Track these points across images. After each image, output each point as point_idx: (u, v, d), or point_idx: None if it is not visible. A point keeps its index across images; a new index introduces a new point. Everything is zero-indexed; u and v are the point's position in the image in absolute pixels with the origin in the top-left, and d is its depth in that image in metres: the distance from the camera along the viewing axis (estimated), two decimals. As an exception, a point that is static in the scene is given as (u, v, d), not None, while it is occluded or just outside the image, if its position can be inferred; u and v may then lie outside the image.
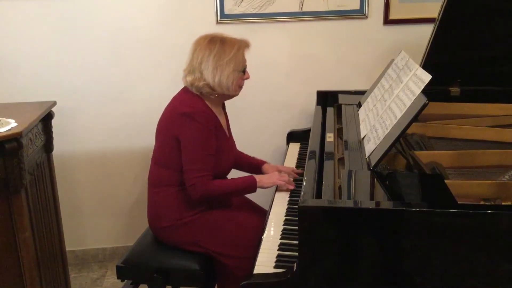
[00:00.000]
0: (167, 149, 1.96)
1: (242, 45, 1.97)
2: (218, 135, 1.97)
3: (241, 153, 2.29)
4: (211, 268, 1.99)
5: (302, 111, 2.83)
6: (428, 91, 1.59)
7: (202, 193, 1.90)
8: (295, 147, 2.58)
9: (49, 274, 2.14)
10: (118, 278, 2.00)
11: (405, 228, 1.33)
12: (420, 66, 2.18)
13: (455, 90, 2.33)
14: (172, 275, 1.94)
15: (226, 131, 2.09)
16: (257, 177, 2.02)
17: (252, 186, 1.99)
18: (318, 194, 1.58)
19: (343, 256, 1.36)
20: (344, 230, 1.35)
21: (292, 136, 2.67)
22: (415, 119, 1.55)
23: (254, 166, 2.26)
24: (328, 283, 1.37)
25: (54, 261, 2.22)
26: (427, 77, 1.63)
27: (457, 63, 2.27)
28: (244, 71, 1.99)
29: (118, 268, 1.97)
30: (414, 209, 1.31)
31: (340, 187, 1.55)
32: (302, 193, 1.62)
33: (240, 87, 2.01)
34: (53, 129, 2.24)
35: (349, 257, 1.36)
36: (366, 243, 1.35)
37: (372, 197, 1.48)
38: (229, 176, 2.17)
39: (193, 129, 1.89)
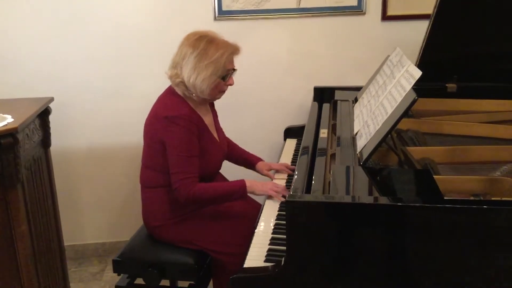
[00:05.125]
0: (153, 152, 1.96)
1: (229, 50, 1.88)
2: (203, 137, 1.95)
3: (238, 147, 2.29)
4: (206, 263, 2.00)
5: (300, 107, 2.83)
6: (425, 87, 1.60)
7: (187, 196, 1.87)
8: (292, 143, 2.58)
9: (47, 268, 2.16)
10: (114, 272, 2.02)
11: (392, 223, 1.33)
12: (417, 62, 2.19)
13: (452, 86, 2.32)
14: (168, 269, 1.95)
15: (214, 131, 2.07)
16: (248, 182, 1.93)
17: (241, 191, 1.92)
18: (309, 190, 1.59)
19: (330, 251, 1.36)
20: (331, 225, 1.36)
21: (289, 132, 2.67)
22: (405, 114, 1.55)
23: (249, 162, 2.26)
24: (315, 276, 1.38)
25: (51, 255, 2.24)
26: (417, 73, 1.63)
27: (454, 59, 2.27)
28: (224, 78, 1.91)
29: (115, 262, 1.99)
30: (399, 204, 1.32)
31: (330, 183, 1.56)
32: (292, 188, 1.63)
33: (222, 91, 1.96)
34: (51, 125, 2.26)
35: (336, 252, 1.36)
36: (353, 238, 1.35)
37: (361, 193, 1.49)
38: (225, 174, 2.19)
39: (175, 133, 1.87)
